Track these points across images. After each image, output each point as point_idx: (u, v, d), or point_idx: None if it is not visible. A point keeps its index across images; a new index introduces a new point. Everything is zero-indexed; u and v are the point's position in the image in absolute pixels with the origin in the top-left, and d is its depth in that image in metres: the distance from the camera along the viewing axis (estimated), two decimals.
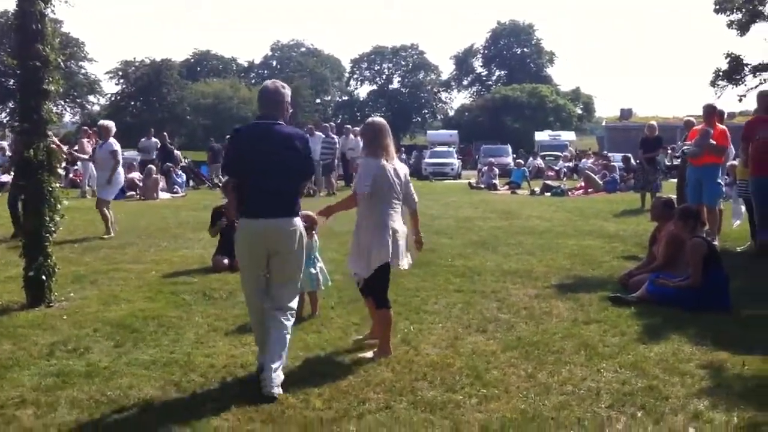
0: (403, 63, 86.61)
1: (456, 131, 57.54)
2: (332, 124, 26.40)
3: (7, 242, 11.13)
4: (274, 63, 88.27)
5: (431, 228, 12.88)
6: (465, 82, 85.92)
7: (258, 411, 4.56)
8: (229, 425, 4.36)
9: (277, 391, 4.80)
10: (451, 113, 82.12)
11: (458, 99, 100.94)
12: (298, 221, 5.17)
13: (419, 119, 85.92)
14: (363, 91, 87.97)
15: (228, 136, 5.25)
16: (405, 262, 5.82)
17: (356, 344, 5.94)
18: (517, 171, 26.81)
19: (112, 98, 75.35)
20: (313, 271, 6.83)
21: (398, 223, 5.74)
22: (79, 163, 21.23)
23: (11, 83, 58.96)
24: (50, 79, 7.38)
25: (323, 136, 22.48)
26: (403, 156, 39.13)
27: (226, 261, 9.05)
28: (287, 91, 5.28)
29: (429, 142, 52.50)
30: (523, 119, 65.05)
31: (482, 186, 25.98)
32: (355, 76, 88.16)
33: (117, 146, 12.46)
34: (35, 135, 7.34)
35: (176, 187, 22.91)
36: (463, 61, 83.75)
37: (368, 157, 5.76)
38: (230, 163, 5.39)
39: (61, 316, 6.82)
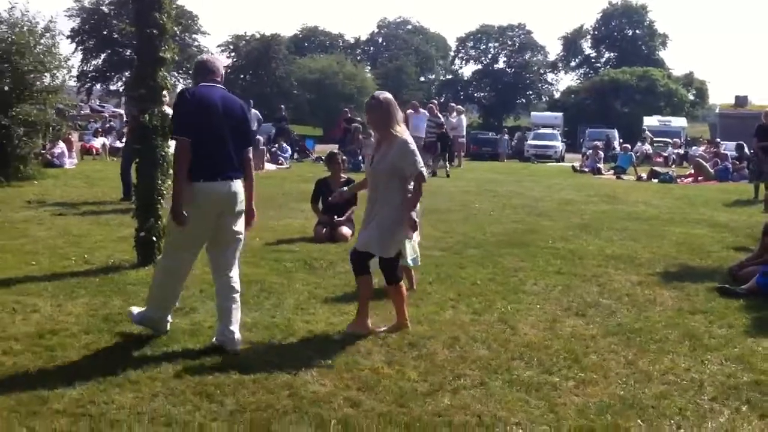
0: (510, 43, 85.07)
1: (561, 114, 56.37)
2: (435, 102, 26.21)
3: (117, 205, 11.66)
4: (380, 40, 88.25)
5: (533, 210, 12.75)
6: (572, 64, 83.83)
7: (354, 378, 4.63)
8: (327, 390, 4.44)
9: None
10: (557, 95, 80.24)
11: (564, 81, 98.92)
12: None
13: (523, 100, 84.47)
14: (467, 70, 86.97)
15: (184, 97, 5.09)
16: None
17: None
18: (623, 156, 26.03)
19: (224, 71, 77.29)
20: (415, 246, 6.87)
21: None
22: None
23: (128, 53, 61.09)
24: (166, 47, 7.60)
25: (428, 114, 22.41)
26: (506, 137, 38.73)
27: (327, 232, 9.21)
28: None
29: (533, 123, 51.65)
30: (632, 103, 63.06)
31: (586, 170, 25.43)
32: (461, 55, 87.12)
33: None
34: (150, 101, 7.60)
35: (281, 158, 23.43)
36: (571, 42, 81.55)
37: (403, 134, 5.48)
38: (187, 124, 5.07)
39: None
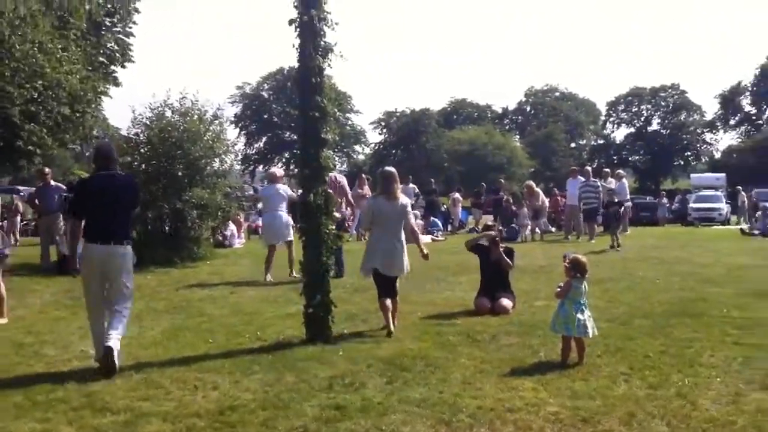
0: (663, 104, 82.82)
1: (723, 174, 53.90)
2: (588, 168, 25.70)
3: (284, 283, 12.09)
4: (528, 108, 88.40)
5: (699, 276, 12.18)
6: (732, 122, 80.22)
7: None
8: None
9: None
10: (717, 155, 76.88)
11: (724, 140, 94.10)
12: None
13: (681, 162, 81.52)
14: (620, 134, 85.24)
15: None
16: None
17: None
18: None
19: (376, 147, 79.95)
20: (580, 317, 6.72)
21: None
22: (349, 208, 22.55)
23: (286, 135, 64.19)
24: (328, 128, 7.95)
25: (582, 179, 22.05)
26: (664, 200, 37.45)
27: (488, 304, 9.17)
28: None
29: (693, 186, 49.67)
30: None
31: (756, 232, 24.04)
32: (612, 119, 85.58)
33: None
34: (314, 180, 7.92)
35: (435, 231, 23.64)
36: (729, 99, 78.16)
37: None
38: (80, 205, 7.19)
39: (337, 352, 7.25)
